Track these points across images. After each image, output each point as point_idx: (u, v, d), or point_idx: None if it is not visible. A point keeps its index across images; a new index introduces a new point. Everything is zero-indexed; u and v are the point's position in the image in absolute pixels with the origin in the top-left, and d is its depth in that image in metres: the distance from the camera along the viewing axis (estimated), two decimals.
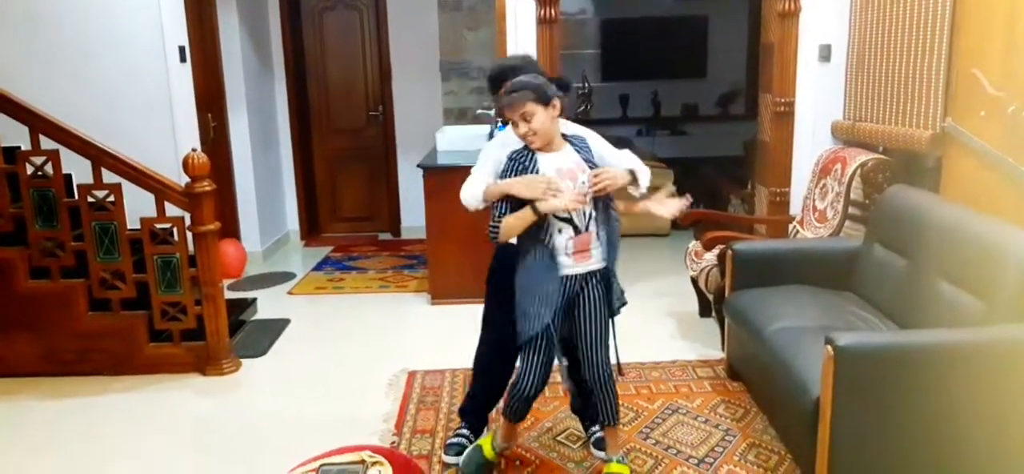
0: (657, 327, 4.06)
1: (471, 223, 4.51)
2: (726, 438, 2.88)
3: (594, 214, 2.35)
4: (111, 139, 3.58)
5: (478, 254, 4.55)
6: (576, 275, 2.37)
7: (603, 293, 2.42)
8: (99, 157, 3.46)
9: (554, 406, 3.14)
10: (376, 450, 2.15)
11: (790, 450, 2.72)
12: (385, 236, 6.46)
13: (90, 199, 3.45)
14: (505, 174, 2.34)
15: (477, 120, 5.76)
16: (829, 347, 2.18)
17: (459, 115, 6.16)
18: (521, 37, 4.17)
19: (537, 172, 2.31)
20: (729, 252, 3.32)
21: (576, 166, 2.34)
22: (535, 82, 2.29)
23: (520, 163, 2.33)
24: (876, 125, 3.72)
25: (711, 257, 3.77)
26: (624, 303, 2.49)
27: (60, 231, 3.48)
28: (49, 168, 3.44)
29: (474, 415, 2.86)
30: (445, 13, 6.04)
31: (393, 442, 2.91)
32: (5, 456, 2.94)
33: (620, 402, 2.53)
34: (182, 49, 4.45)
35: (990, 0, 2.93)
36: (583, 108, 7.62)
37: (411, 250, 5.88)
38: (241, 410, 3.28)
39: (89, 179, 3.46)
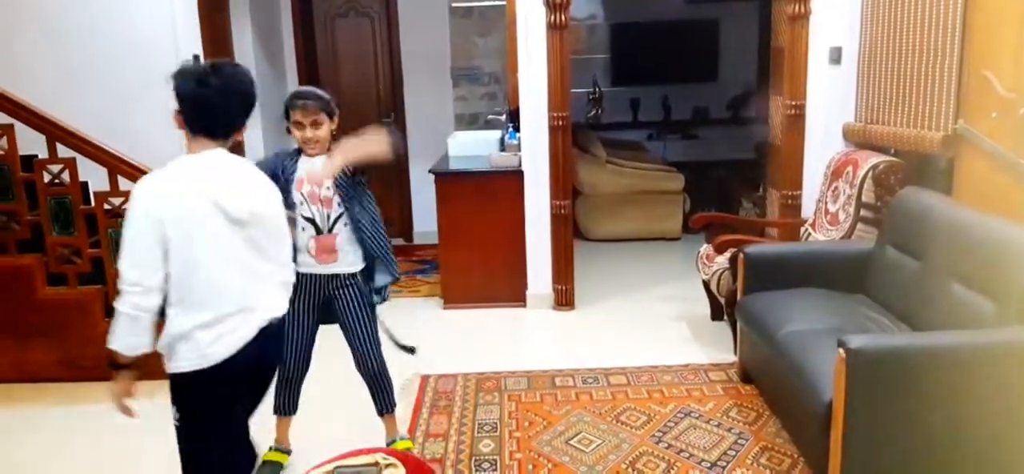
0: (669, 331, 4.06)
1: (483, 229, 4.58)
2: (739, 442, 2.88)
3: (341, 217, 2.55)
4: (126, 146, 3.62)
5: (490, 259, 4.61)
6: (323, 275, 2.62)
7: (358, 294, 2.67)
8: (115, 165, 3.50)
9: (566, 410, 3.15)
10: (390, 453, 2.17)
11: (803, 453, 2.72)
12: (397, 241, 6.48)
13: (106, 206, 3.49)
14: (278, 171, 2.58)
15: (488, 125, 5.80)
16: (841, 350, 2.19)
17: (470, 121, 6.20)
18: (532, 43, 4.18)
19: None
20: (741, 255, 3.32)
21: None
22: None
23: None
24: (888, 127, 3.71)
25: (723, 260, 3.76)
26: (384, 299, 2.75)
27: (77, 238, 3.52)
28: (66, 176, 3.49)
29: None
30: (456, 19, 6.07)
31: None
32: (22, 460, 2.98)
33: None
34: (196, 57, 4.49)
35: (1001, 2, 2.92)
36: (594, 113, 7.64)
37: (423, 255, 5.90)
38: (255, 413, 3.30)
39: (105, 186, 3.51)
